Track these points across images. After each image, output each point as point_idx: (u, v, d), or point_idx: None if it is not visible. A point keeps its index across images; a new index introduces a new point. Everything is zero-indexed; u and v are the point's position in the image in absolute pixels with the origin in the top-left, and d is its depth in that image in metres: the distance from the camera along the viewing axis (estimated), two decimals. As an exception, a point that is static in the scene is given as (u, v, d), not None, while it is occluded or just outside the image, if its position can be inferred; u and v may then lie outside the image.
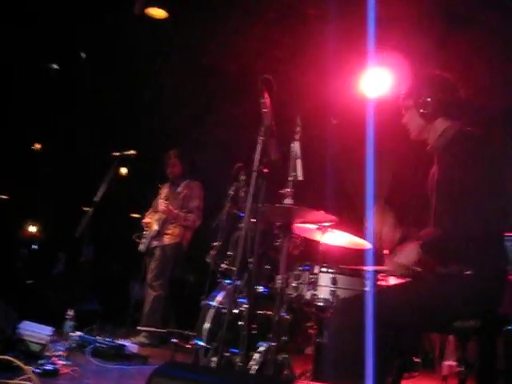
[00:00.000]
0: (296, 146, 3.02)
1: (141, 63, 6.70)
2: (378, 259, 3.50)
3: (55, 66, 7.01)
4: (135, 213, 6.36)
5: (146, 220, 5.82)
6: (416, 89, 2.68)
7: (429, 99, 2.60)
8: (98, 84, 6.92)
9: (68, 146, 7.17)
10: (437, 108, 2.60)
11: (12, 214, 7.01)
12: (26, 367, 2.98)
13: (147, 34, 6.15)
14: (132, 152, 5.36)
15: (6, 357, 3.07)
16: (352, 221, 3.45)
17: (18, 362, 3.02)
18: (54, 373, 3.32)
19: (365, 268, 3.01)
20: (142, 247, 5.71)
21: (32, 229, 7.47)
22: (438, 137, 2.64)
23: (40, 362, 3.41)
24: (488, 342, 2.75)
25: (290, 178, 2.94)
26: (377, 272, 3.15)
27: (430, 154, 2.72)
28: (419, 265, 2.43)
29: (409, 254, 2.42)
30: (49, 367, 3.32)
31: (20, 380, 2.88)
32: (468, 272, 2.35)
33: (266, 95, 2.50)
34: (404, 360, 2.89)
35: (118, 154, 5.36)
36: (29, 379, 2.88)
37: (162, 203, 5.73)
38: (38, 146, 7.81)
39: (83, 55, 6.62)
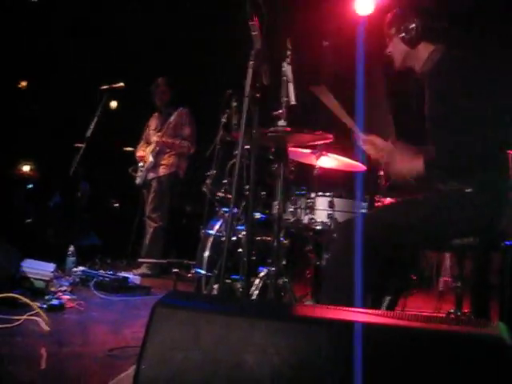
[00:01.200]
0: (287, 70, 2.95)
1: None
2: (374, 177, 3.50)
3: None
4: (128, 146, 6.30)
5: (140, 153, 5.79)
6: (397, 16, 2.65)
7: (412, 25, 2.56)
8: (82, 15, 6.69)
9: (55, 81, 7.01)
10: (419, 33, 2.57)
11: (3, 154, 6.95)
12: (33, 303, 3.03)
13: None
14: (120, 84, 5.26)
15: (13, 294, 3.12)
16: (346, 144, 3.42)
17: (24, 299, 3.07)
18: (60, 307, 3.38)
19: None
20: (138, 180, 5.71)
21: (26, 168, 7.41)
22: (424, 62, 2.60)
23: (46, 297, 3.47)
24: (484, 258, 2.80)
25: (282, 102, 2.90)
26: (373, 193, 3.17)
27: (419, 80, 2.68)
28: (417, 179, 2.44)
29: (411, 164, 2.42)
30: (55, 302, 3.38)
31: (28, 315, 2.94)
32: (468, 190, 2.36)
33: (255, 17, 2.41)
34: (401, 278, 2.95)
35: (106, 86, 5.26)
36: (37, 314, 2.93)
37: (153, 135, 5.69)
38: (23, 83, 7.63)
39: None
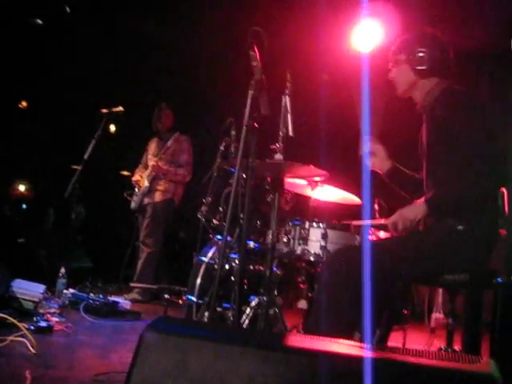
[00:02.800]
0: (286, 101, 2.98)
1: (127, 18, 6.56)
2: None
3: (39, 21, 6.83)
4: (125, 170, 6.32)
5: (136, 178, 5.79)
6: (409, 44, 2.64)
7: (424, 55, 2.56)
8: (84, 39, 6.77)
9: (55, 102, 7.05)
10: (432, 66, 2.57)
11: (0, 173, 6.95)
12: (21, 324, 3.00)
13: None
14: (120, 108, 5.30)
15: (0, 314, 3.09)
16: (343, 176, 3.45)
17: (12, 320, 3.04)
18: (48, 329, 3.35)
19: (363, 222, 3.02)
20: (133, 205, 5.71)
21: (21, 188, 7.40)
22: (424, 95, 2.62)
23: (34, 319, 3.43)
24: (475, 295, 2.80)
25: (280, 134, 2.92)
26: (374, 226, 3.18)
27: (418, 113, 2.70)
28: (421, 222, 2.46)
29: (416, 209, 2.44)
30: (43, 324, 3.35)
31: (15, 337, 2.90)
32: (460, 227, 2.37)
33: (256, 48, 2.45)
34: (393, 312, 2.93)
35: (106, 110, 5.29)
36: (23, 336, 2.90)
37: (151, 159, 5.71)
38: (24, 103, 7.68)
39: (68, 9, 6.45)
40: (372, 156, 2.76)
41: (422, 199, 2.45)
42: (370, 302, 2.28)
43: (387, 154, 2.77)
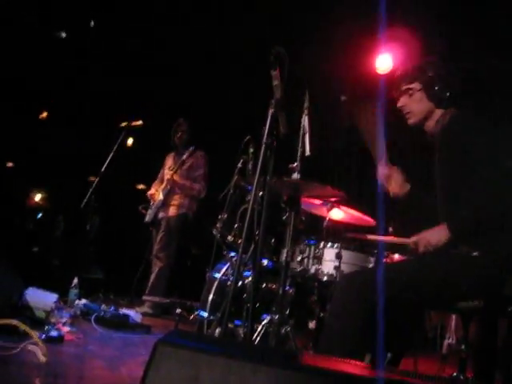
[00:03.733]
0: (305, 121, 3.01)
1: (150, 33, 6.65)
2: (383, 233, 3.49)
3: (63, 34, 6.95)
4: (141, 184, 6.36)
5: (152, 191, 5.83)
6: (424, 73, 2.61)
7: (444, 85, 2.57)
8: (106, 53, 6.87)
9: (75, 114, 7.15)
10: (452, 96, 2.57)
11: (17, 182, 7.03)
12: (32, 332, 3.01)
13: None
14: (139, 122, 5.37)
15: (13, 321, 3.11)
16: (358, 197, 3.45)
17: (24, 327, 3.06)
18: (59, 339, 3.35)
19: (383, 238, 3.00)
20: (147, 218, 5.73)
21: (37, 197, 7.47)
22: (434, 124, 2.62)
23: (45, 328, 3.44)
24: (490, 322, 2.77)
25: (298, 153, 2.94)
26: (392, 244, 3.17)
27: (429, 140, 2.70)
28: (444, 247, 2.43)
29: (439, 233, 2.42)
30: (54, 333, 3.35)
31: (26, 344, 2.91)
32: (475, 253, 2.36)
33: (278, 68, 2.47)
34: (405, 338, 2.91)
35: (125, 124, 5.36)
36: (35, 344, 2.91)
37: (167, 174, 5.75)
38: (44, 114, 7.78)
39: (92, 23, 6.56)
40: (389, 180, 2.75)
41: (444, 225, 2.43)
42: (382, 326, 2.27)
43: (404, 177, 2.76)
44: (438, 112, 2.61)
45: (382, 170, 2.74)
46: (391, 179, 2.75)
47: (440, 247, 2.41)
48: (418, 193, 2.78)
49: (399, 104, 2.69)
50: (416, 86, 2.62)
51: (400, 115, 2.73)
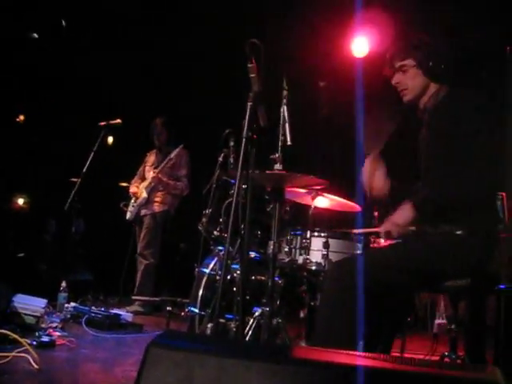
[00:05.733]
0: (284, 111, 3.00)
1: (124, 30, 6.58)
2: (368, 218, 3.51)
3: (35, 35, 6.86)
4: (123, 181, 6.31)
5: (133, 189, 5.80)
6: (418, 49, 2.61)
7: (438, 59, 2.57)
8: (81, 52, 6.79)
9: (52, 116, 7.06)
10: (446, 70, 2.58)
11: (-1, 187, 6.96)
12: (23, 340, 3.00)
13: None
14: (118, 121, 5.33)
15: (2, 330, 3.08)
16: (342, 183, 3.46)
17: (14, 335, 3.04)
18: (51, 344, 3.34)
19: (357, 231, 3.03)
20: (129, 215, 5.71)
21: (19, 201, 7.40)
22: (428, 98, 2.63)
23: (36, 334, 3.42)
24: (478, 301, 2.80)
25: (279, 143, 2.93)
26: (369, 234, 3.18)
27: (419, 116, 2.70)
28: (412, 224, 2.44)
29: (403, 213, 2.43)
30: (45, 339, 3.34)
31: (17, 352, 2.90)
32: (458, 232, 2.38)
33: (254, 60, 2.46)
34: (395, 320, 2.93)
35: (104, 123, 5.32)
36: (26, 351, 2.89)
37: (149, 171, 5.72)
38: (21, 117, 7.68)
39: (64, 23, 6.47)
40: (371, 176, 2.73)
41: (407, 203, 2.44)
42: (370, 312, 2.28)
43: (386, 174, 2.73)
44: (433, 87, 2.62)
45: (367, 166, 2.73)
46: (374, 176, 2.73)
47: (408, 224, 2.42)
48: (399, 187, 2.77)
49: (394, 81, 2.68)
50: (410, 62, 2.61)
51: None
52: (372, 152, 2.71)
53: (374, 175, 2.69)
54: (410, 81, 2.64)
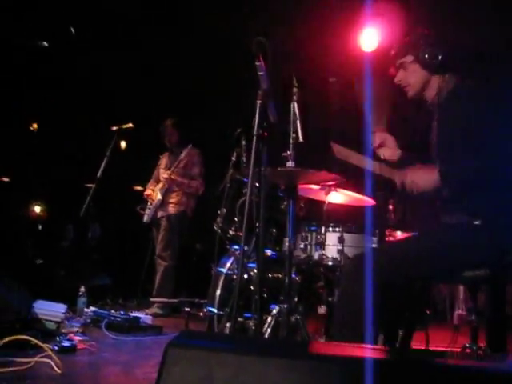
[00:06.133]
0: (294, 107, 2.99)
1: (133, 34, 6.61)
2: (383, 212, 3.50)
3: (45, 44, 6.91)
4: (138, 185, 6.34)
5: (148, 192, 5.83)
6: (415, 44, 2.63)
7: (434, 51, 2.57)
8: (91, 58, 6.83)
9: (65, 123, 7.12)
10: (443, 60, 2.58)
11: (15, 195, 7.02)
12: (44, 345, 3.03)
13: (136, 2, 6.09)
14: (130, 125, 5.37)
15: (24, 336, 3.12)
16: (355, 178, 3.44)
17: (35, 341, 3.07)
18: (72, 349, 3.37)
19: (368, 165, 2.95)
20: (146, 218, 5.74)
21: (36, 209, 7.47)
22: (437, 91, 2.62)
23: (57, 339, 3.45)
24: (497, 291, 2.78)
25: (291, 140, 2.93)
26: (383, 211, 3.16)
27: (429, 110, 2.70)
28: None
29: (426, 175, 2.42)
30: (66, 344, 3.37)
31: (39, 358, 2.93)
32: (476, 222, 2.36)
33: (261, 58, 2.46)
34: (415, 313, 2.92)
35: (116, 127, 5.36)
36: (48, 356, 2.92)
37: (163, 173, 5.75)
38: (35, 125, 7.75)
39: (73, 30, 6.52)
40: (382, 147, 2.74)
41: (434, 169, 2.42)
42: (388, 306, 2.28)
43: (396, 143, 2.76)
44: (436, 80, 2.62)
45: (377, 137, 2.74)
46: (384, 146, 2.75)
47: (426, 190, 2.41)
48: (412, 155, 2.76)
49: (396, 80, 2.70)
50: (408, 58, 2.63)
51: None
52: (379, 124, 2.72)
53: (385, 143, 2.70)
54: (410, 77, 2.66)
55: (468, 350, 2.86)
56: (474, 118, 2.41)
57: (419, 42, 2.61)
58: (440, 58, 2.57)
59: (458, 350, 3.12)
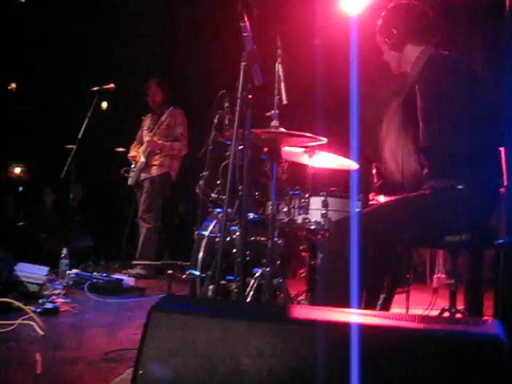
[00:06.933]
0: (279, 69, 2.96)
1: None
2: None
3: (22, 0, 6.72)
4: (120, 147, 6.28)
5: (132, 154, 5.78)
6: (382, 24, 2.67)
7: (394, 30, 2.60)
8: (70, 16, 6.66)
9: (44, 82, 6.97)
10: (402, 36, 2.60)
11: (-5, 156, 6.92)
12: (27, 307, 3.02)
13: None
14: (111, 85, 5.28)
15: (6, 299, 3.11)
16: (340, 142, 3.42)
17: (17, 303, 3.06)
18: (55, 311, 3.38)
19: None
20: (130, 181, 5.71)
21: (16, 170, 7.36)
22: (412, 64, 2.62)
23: (39, 301, 3.46)
24: (477, 255, 2.83)
25: (275, 102, 2.90)
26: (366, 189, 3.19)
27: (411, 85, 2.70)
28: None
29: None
30: (49, 306, 3.38)
31: (22, 320, 2.93)
32: (459, 187, 2.38)
33: (246, 18, 2.40)
34: (395, 276, 2.95)
35: (96, 88, 5.26)
36: (31, 318, 2.92)
37: (146, 135, 5.69)
38: (13, 85, 7.58)
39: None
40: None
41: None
42: (370, 269, 2.30)
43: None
44: (412, 54, 2.61)
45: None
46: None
47: None
48: None
49: (383, 58, 2.75)
50: (380, 38, 2.68)
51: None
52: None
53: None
54: (386, 56, 2.71)
55: (446, 313, 2.91)
56: (452, 90, 2.44)
57: (385, 21, 2.65)
58: (396, 36, 2.59)
59: (437, 312, 3.18)
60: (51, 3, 6.57)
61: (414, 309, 3.57)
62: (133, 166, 5.72)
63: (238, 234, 3.12)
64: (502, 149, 2.56)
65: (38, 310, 3.25)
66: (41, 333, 2.81)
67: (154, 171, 5.64)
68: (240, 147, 2.64)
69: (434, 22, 2.65)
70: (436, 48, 2.61)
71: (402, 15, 2.61)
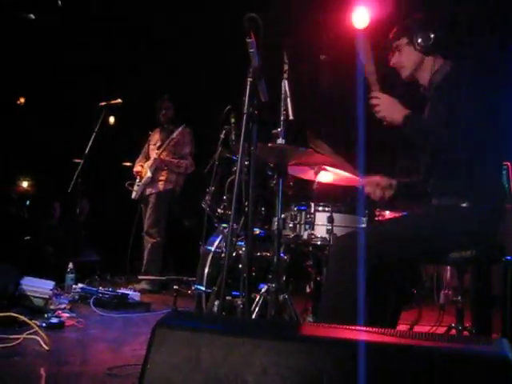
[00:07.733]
0: (285, 85, 2.97)
1: (123, 10, 6.50)
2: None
3: (32, 16, 6.78)
4: (126, 161, 6.30)
5: (137, 168, 5.79)
6: (410, 27, 2.64)
7: (431, 34, 2.58)
8: (80, 33, 6.72)
9: (53, 97, 7.02)
10: (435, 43, 2.58)
11: (2, 170, 6.95)
12: (32, 322, 3.02)
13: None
14: (118, 100, 5.32)
15: (12, 313, 3.11)
16: (346, 157, 3.42)
17: (23, 318, 3.06)
18: (60, 325, 3.37)
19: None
20: (134, 195, 5.72)
21: (24, 184, 7.40)
22: (433, 73, 2.61)
23: (45, 315, 3.45)
24: (483, 271, 2.81)
25: (281, 118, 2.91)
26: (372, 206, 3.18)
27: (422, 94, 2.69)
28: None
29: (400, 111, 2.46)
30: (54, 320, 3.37)
31: (27, 334, 2.92)
32: (464, 205, 2.37)
33: (253, 35, 2.42)
34: (401, 292, 2.93)
35: (104, 103, 5.31)
36: (36, 333, 2.92)
37: (153, 150, 5.71)
38: (21, 99, 7.64)
39: (60, 2, 6.39)
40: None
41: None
42: (376, 286, 2.29)
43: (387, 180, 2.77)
44: (429, 61, 2.62)
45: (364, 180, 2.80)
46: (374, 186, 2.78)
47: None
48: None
49: (391, 63, 2.72)
50: (403, 40, 2.65)
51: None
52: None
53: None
54: (404, 58, 2.67)
55: (453, 330, 2.88)
56: (468, 102, 2.41)
57: (413, 26, 2.62)
58: (432, 38, 2.57)
59: (444, 329, 3.15)
60: (61, 19, 6.63)
61: (420, 326, 3.54)
62: (137, 180, 5.74)
63: (243, 249, 3.11)
64: (508, 163, 2.55)
65: (44, 324, 3.25)
66: (46, 348, 2.80)
67: (161, 186, 5.65)
68: (246, 163, 2.65)
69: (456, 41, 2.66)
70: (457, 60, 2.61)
71: (433, 25, 2.61)
